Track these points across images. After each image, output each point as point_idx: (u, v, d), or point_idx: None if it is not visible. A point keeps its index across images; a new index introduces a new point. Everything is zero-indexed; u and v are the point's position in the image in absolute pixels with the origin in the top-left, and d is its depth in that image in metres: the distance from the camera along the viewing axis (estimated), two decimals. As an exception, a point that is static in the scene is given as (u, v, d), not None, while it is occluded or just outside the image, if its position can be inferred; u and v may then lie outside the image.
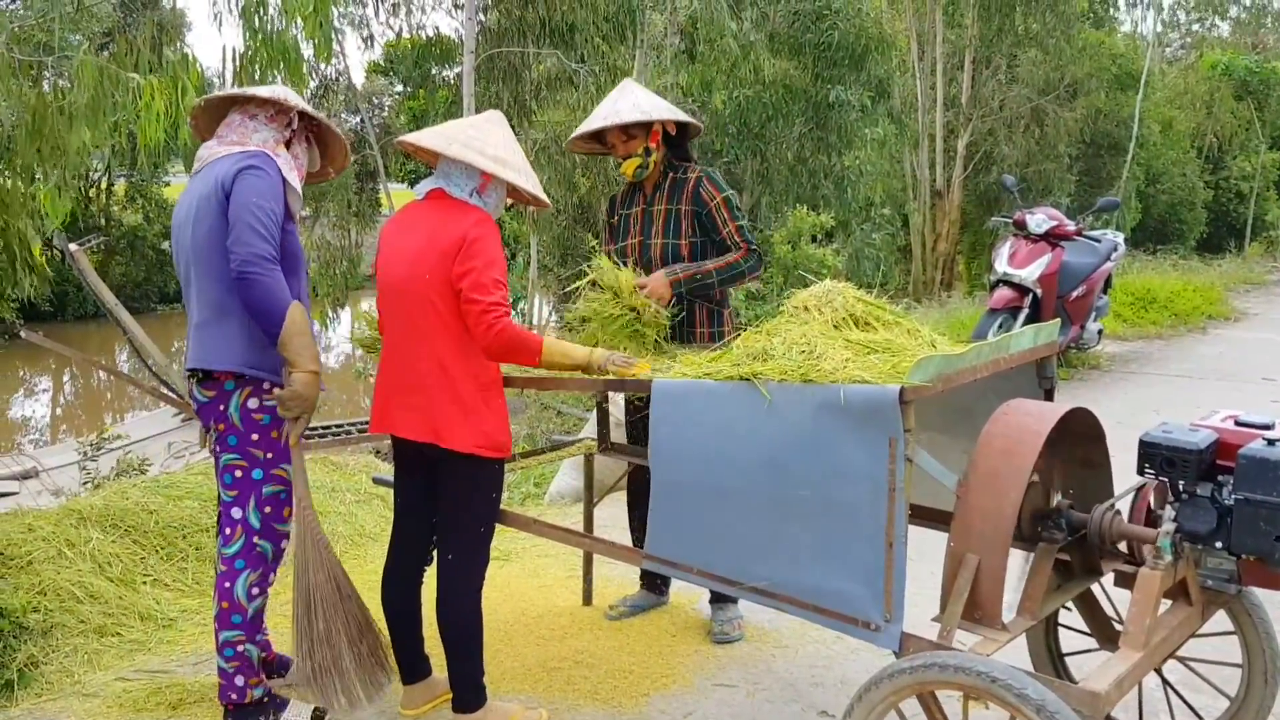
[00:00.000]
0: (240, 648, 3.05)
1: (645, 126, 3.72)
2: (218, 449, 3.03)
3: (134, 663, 3.75)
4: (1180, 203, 24.20)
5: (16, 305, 19.56)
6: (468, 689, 3.14)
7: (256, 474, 3.01)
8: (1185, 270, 15.04)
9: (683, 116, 3.81)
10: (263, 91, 3.11)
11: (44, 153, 6.00)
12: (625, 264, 3.79)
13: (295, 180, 3.07)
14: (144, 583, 4.23)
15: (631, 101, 3.71)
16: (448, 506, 3.12)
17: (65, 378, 19.56)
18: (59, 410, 18.37)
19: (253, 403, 2.99)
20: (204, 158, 3.05)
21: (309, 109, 3.16)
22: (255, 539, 3.03)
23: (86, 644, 3.80)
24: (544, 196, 3.25)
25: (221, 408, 2.98)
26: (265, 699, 3.12)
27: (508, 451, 3.11)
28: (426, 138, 3.11)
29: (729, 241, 3.74)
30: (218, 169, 2.95)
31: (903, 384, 2.38)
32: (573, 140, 3.94)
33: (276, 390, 2.98)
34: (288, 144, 3.12)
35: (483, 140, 3.06)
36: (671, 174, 3.83)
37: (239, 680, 3.06)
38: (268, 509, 3.04)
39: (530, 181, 3.15)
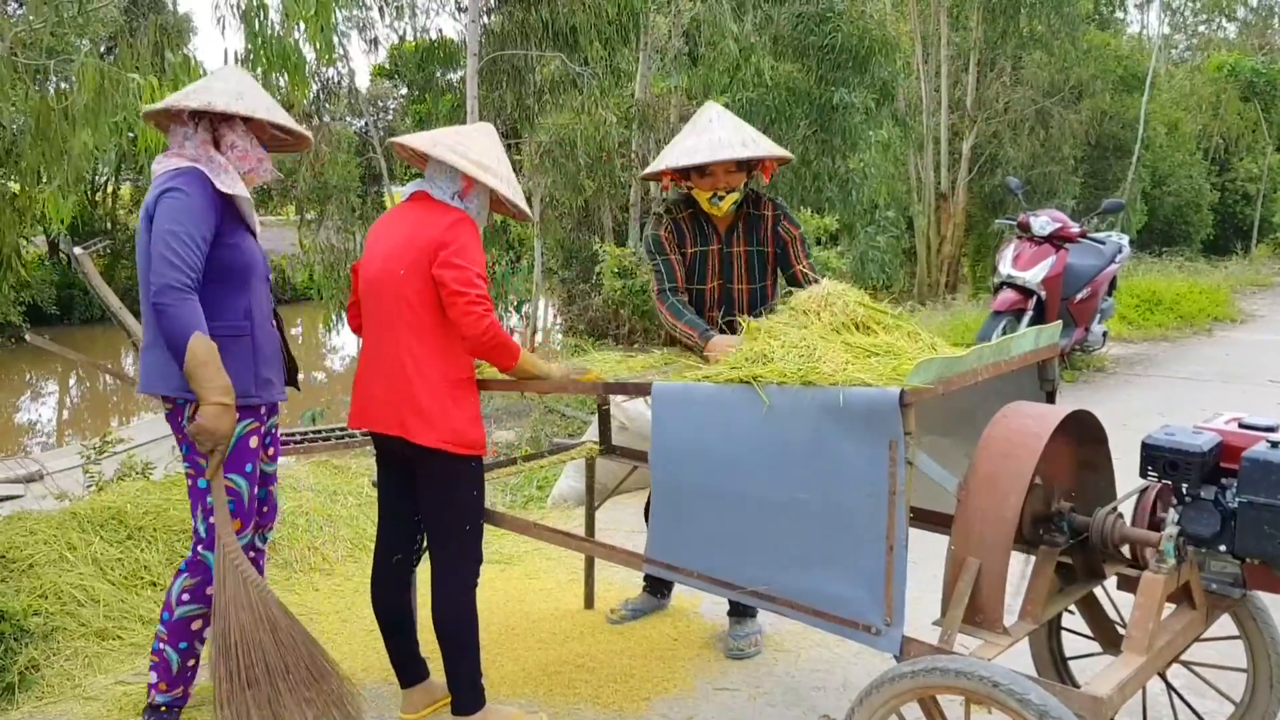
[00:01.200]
0: (161, 646, 3.11)
1: (756, 161, 3.52)
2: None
3: (134, 666, 3.74)
4: (1186, 204, 24.11)
5: (23, 309, 19.67)
6: (465, 691, 3.14)
7: (201, 484, 3.02)
8: (1191, 272, 14.99)
9: (788, 154, 3.61)
10: (160, 104, 3.03)
11: (48, 156, 6.00)
12: (700, 306, 3.66)
13: (230, 184, 2.96)
14: (145, 586, 4.22)
15: (753, 134, 3.46)
16: (427, 506, 3.14)
17: (71, 381, 19.57)
18: (65, 413, 18.40)
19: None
20: (155, 173, 3.02)
21: (201, 105, 2.96)
22: (199, 548, 3.08)
23: (87, 647, 3.80)
24: (526, 208, 3.26)
25: (175, 420, 3.03)
26: (165, 709, 3.15)
27: (480, 449, 3.09)
28: (414, 139, 3.13)
29: (800, 277, 3.57)
30: (151, 191, 2.95)
31: (903, 386, 2.36)
32: (658, 171, 3.61)
33: (188, 424, 2.91)
34: (217, 144, 3.01)
35: (466, 145, 3.08)
36: (746, 210, 3.64)
37: (153, 677, 3.14)
38: (213, 519, 3.01)
39: (512, 190, 3.15)
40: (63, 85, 6.29)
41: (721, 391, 2.68)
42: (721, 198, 3.50)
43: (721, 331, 3.49)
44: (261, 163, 3.11)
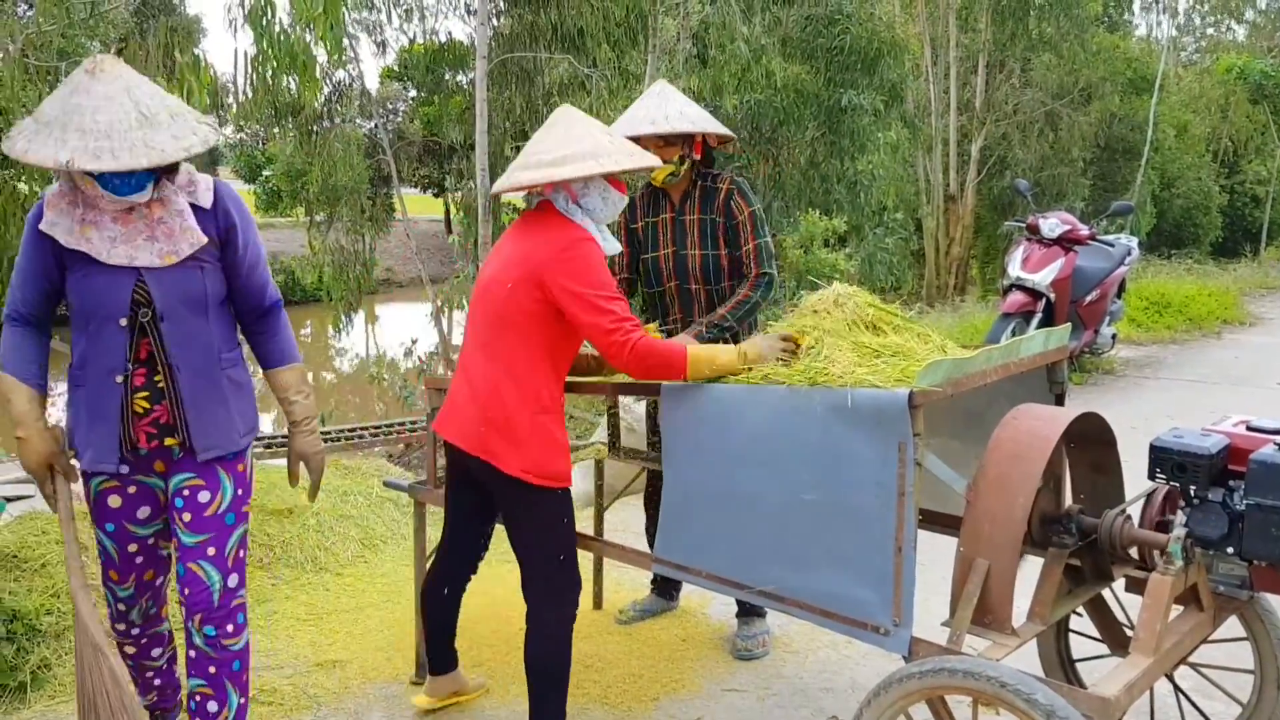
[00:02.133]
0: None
1: (688, 136, 3.62)
2: None
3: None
4: (1195, 207, 24.08)
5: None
6: None
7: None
8: (1200, 275, 14.96)
9: (725, 130, 3.69)
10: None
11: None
12: (657, 275, 3.78)
13: (52, 219, 2.54)
14: (156, 586, 4.24)
15: (677, 109, 3.59)
16: (512, 535, 2.97)
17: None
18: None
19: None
20: None
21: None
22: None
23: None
24: (644, 159, 2.90)
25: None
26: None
27: (564, 481, 2.89)
28: (504, 182, 2.90)
29: (745, 259, 3.67)
30: None
31: (912, 388, 2.37)
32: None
33: None
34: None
35: (538, 152, 2.84)
36: (701, 182, 3.74)
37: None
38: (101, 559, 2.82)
39: (610, 159, 2.79)
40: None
41: (731, 392, 2.70)
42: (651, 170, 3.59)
43: (672, 321, 3.70)
44: (79, 201, 2.55)
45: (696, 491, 2.79)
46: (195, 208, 2.64)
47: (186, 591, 2.69)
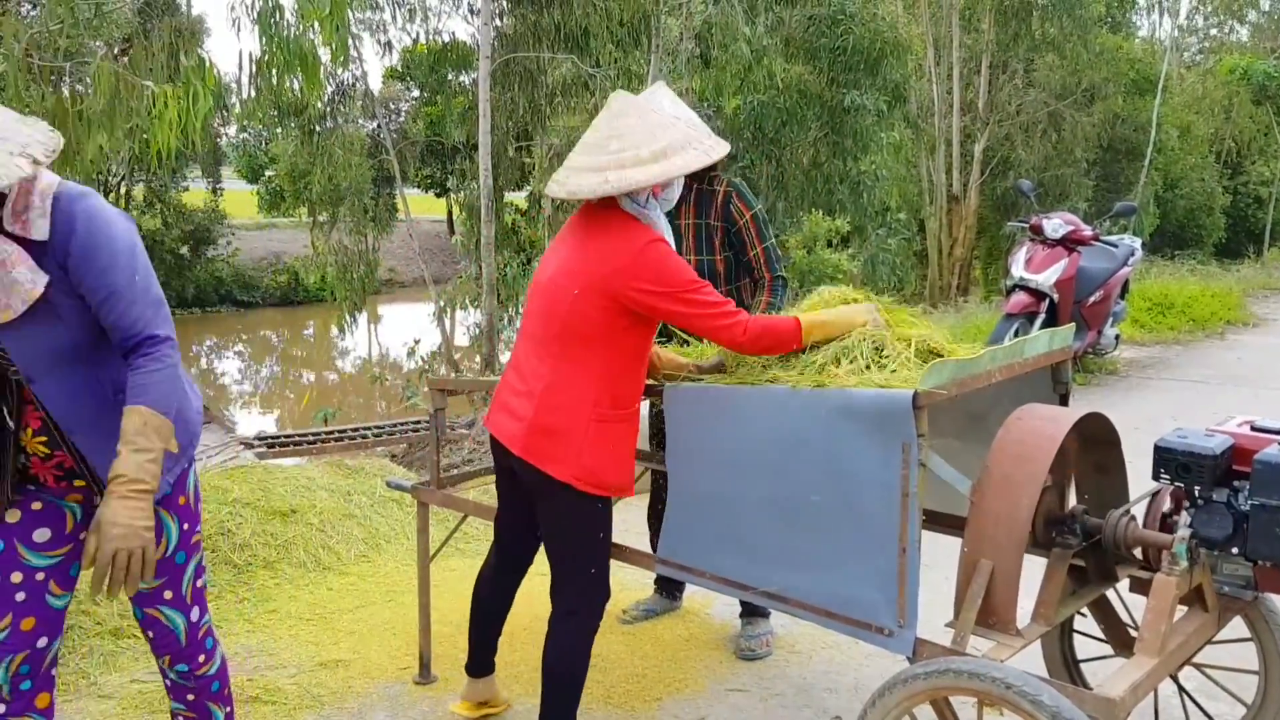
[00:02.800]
0: None
1: None
2: None
3: (149, 665, 3.74)
4: (1199, 208, 24.07)
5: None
6: None
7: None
8: (1204, 275, 14.95)
9: (720, 144, 3.63)
10: None
11: (64, 157, 6.04)
12: None
13: None
14: (160, 585, 4.24)
15: (672, 114, 3.55)
16: (548, 539, 2.91)
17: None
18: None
19: None
20: None
21: None
22: None
23: (102, 645, 3.82)
24: (715, 150, 2.78)
25: None
26: None
27: (610, 491, 2.80)
28: (596, 185, 2.66)
29: (755, 264, 3.63)
30: None
31: (916, 389, 2.37)
32: None
33: None
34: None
35: (630, 146, 2.66)
36: (697, 185, 3.66)
37: None
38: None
39: (705, 145, 2.71)
40: (77, 87, 6.34)
41: (735, 393, 2.69)
42: None
43: None
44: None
45: (700, 492, 2.78)
46: (30, 243, 2.15)
47: (150, 634, 2.50)
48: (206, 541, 4.53)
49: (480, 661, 3.31)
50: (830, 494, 2.52)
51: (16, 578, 2.33)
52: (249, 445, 8.95)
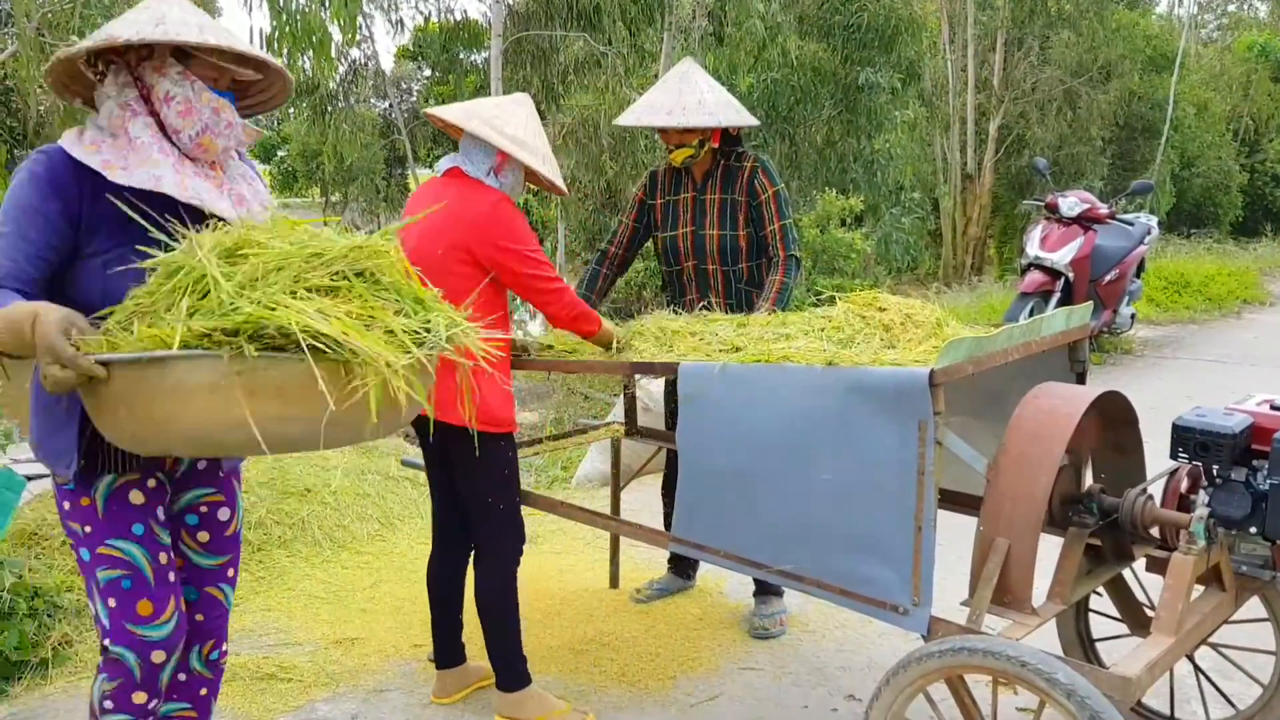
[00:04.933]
0: None
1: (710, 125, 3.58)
2: None
3: (166, 642, 3.79)
4: (1215, 186, 23.86)
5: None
6: (504, 670, 3.17)
7: (85, 554, 2.20)
8: (1220, 254, 14.85)
9: (749, 120, 3.66)
10: (59, 55, 2.10)
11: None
12: (675, 254, 3.77)
13: (96, 162, 2.06)
14: (176, 563, 4.26)
15: (696, 99, 3.55)
16: (463, 486, 3.12)
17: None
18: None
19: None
20: None
21: (102, 42, 2.06)
22: (106, 642, 2.19)
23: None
24: (561, 184, 3.17)
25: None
26: None
27: (509, 427, 3.06)
28: (450, 112, 3.06)
29: (770, 240, 3.64)
30: None
31: (932, 367, 2.36)
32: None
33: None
34: (148, 100, 2.13)
35: (504, 119, 3.00)
36: (724, 161, 3.71)
37: None
38: (111, 601, 2.18)
39: (549, 167, 3.07)
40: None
41: (749, 371, 2.68)
42: (671, 151, 3.67)
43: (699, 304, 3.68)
44: (219, 115, 2.16)
45: (714, 470, 2.77)
46: None
47: (200, 618, 2.39)
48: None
49: (446, 652, 3.35)
50: (845, 472, 2.51)
51: (164, 559, 2.24)
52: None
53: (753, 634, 3.77)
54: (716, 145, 3.66)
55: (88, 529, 2.18)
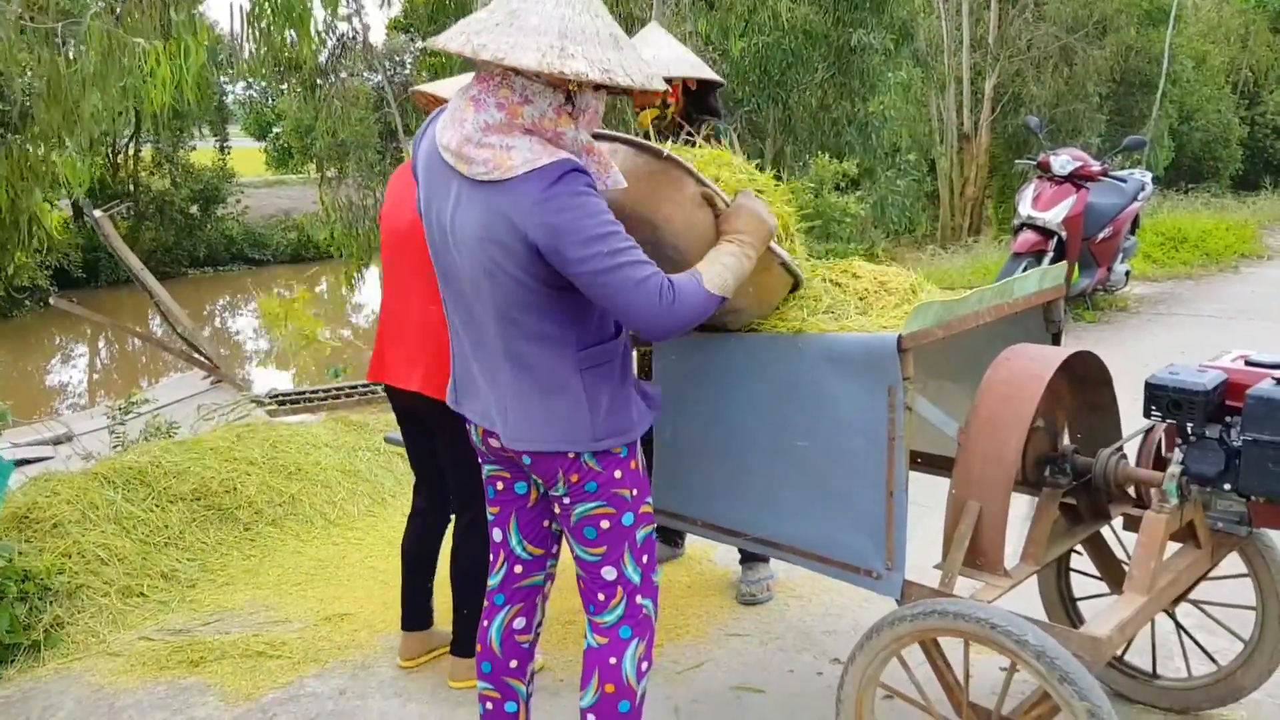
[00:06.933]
0: None
1: (665, 81, 3.59)
2: (566, 501, 2.36)
3: (157, 622, 3.81)
4: (1215, 140, 23.70)
5: (50, 272, 19.79)
6: (465, 635, 3.20)
7: (627, 519, 2.38)
8: (1218, 209, 14.75)
9: (706, 73, 3.63)
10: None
11: (65, 118, 6.00)
12: None
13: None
14: (166, 544, 4.28)
15: (652, 54, 3.51)
16: (443, 457, 3.15)
17: (100, 343, 19.74)
18: (96, 375, 18.58)
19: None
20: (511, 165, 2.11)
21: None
22: (637, 598, 2.42)
23: (111, 604, 3.87)
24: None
25: (571, 456, 2.30)
26: None
27: None
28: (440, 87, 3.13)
29: None
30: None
31: (900, 332, 2.35)
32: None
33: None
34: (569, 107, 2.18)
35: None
36: (685, 127, 3.65)
37: None
38: (644, 557, 2.43)
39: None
40: (71, 49, 6.29)
41: (722, 340, 2.67)
42: (637, 113, 3.65)
43: None
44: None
45: (688, 439, 2.78)
46: None
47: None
48: (213, 500, 4.56)
49: (415, 616, 3.40)
50: (818, 439, 2.51)
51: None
52: (260, 403, 8.97)
53: (740, 600, 3.79)
54: (677, 101, 3.62)
55: (635, 491, 2.39)
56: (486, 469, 2.53)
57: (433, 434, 3.15)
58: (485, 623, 2.59)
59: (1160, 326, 8.56)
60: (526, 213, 2.07)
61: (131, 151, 25.07)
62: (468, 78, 2.56)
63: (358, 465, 5.09)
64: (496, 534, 2.56)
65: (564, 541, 2.60)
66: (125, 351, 19.21)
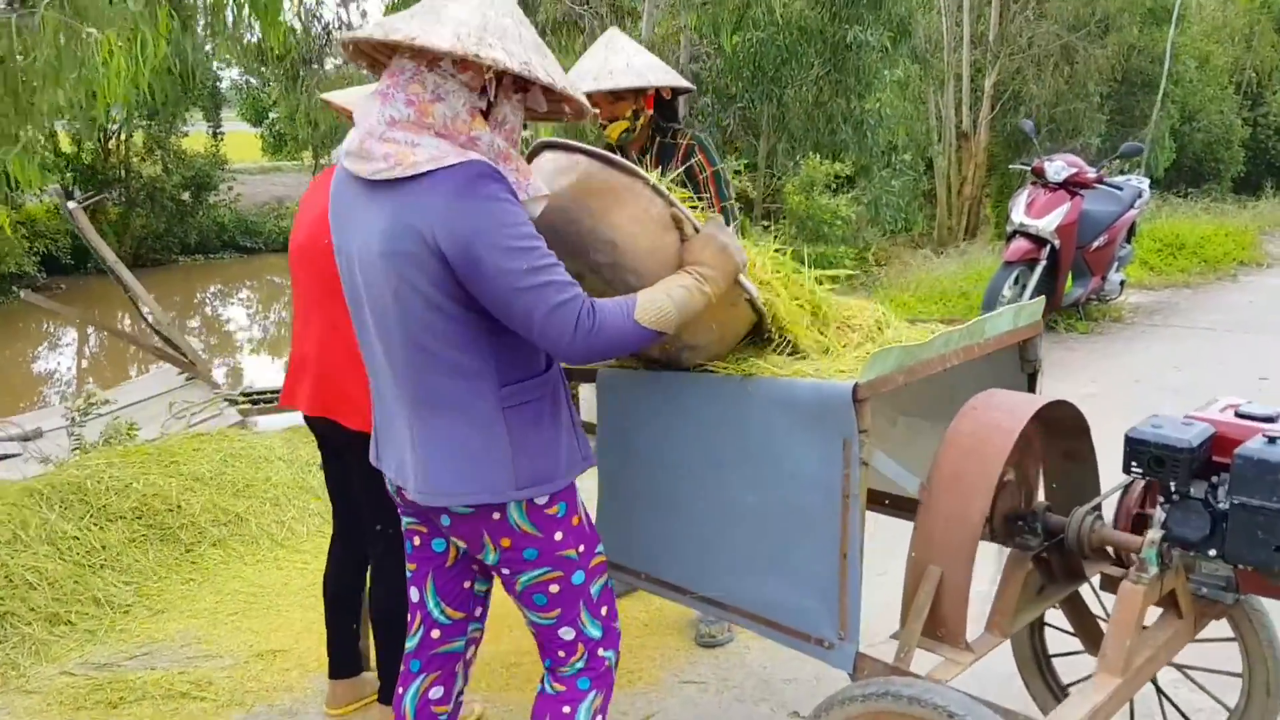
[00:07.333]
0: None
1: (638, 90, 3.37)
2: (506, 572, 2.17)
3: (83, 654, 3.61)
4: (1217, 141, 23.41)
5: (38, 259, 19.55)
6: (391, 682, 2.95)
7: (577, 578, 2.20)
8: (1217, 213, 14.50)
9: (679, 80, 3.46)
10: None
11: (15, 114, 5.76)
12: None
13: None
14: (102, 566, 4.07)
15: (624, 61, 3.34)
16: (361, 492, 2.90)
17: (90, 330, 19.50)
18: (84, 363, 18.34)
19: (541, 499, 2.11)
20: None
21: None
22: (600, 650, 2.26)
23: (35, 634, 3.67)
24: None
25: (496, 517, 2.09)
26: None
27: None
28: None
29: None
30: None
31: (857, 380, 2.13)
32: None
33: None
34: (485, 114, 1.99)
35: None
36: (660, 137, 3.50)
37: None
38: (603, 609, 2.26)
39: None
40: (23, 40, 6.04)
41: (666, 380, 2.46)
42: (604, 126, 3.43)
43: None
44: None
45: (631, 485, 2.56)
46: None
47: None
48: (155, 518, 4.35)
49: (343, 662, 3.19)
50: (766, 493, 2.29)
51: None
52: (233, 402, 8.75)
53: (699, 641, 3.58)
54: (651, 111, 3.43)
55: (581, 548, 2.20)
56: (404, 520, 2.31)
57: (345, 460, 2.94)
58: (400, 690, 2.37)
59: (1154, 339, 8.33)
60: (436, 218, 1.86)
61: (123, 137, 24.79)
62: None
63: (311, 481, 4.87)
64: (414, 593, 2.35)
65: (490, 601, 2.39)
66: (115, 341, 18.97)
